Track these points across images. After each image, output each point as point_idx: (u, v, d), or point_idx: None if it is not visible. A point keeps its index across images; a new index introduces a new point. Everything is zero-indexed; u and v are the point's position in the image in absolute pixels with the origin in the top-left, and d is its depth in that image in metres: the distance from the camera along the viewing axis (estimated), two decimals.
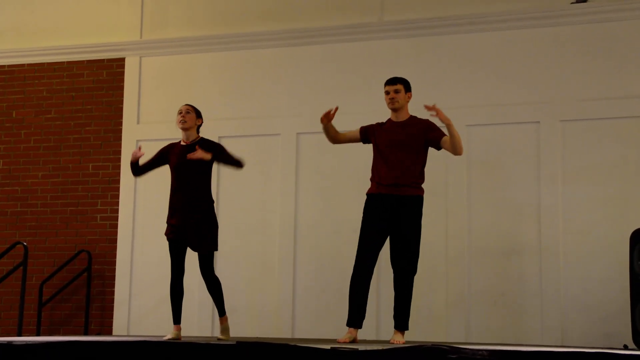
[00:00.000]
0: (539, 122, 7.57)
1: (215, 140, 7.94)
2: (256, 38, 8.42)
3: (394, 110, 5.93)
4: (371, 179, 5.93)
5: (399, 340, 5.67)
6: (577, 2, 7.64)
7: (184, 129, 6.25)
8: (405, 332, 5.81)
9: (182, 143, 6.30)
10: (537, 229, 7.42)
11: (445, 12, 7.95)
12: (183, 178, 6.17)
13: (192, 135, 6.30)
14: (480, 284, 7.50)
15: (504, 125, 7.62)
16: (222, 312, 6.29)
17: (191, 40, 8.60)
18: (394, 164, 5.78)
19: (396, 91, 5.88)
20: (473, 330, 7.44)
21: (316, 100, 8.14)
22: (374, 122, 6.06)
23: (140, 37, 8.79)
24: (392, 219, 5.75)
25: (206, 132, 8.42)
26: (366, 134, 6.03)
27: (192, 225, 6.11)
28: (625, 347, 6.42)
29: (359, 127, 6.07)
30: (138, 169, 6.41)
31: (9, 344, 4.74)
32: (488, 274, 7.49)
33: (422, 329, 7.36)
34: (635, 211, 7.15)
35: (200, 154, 6.04)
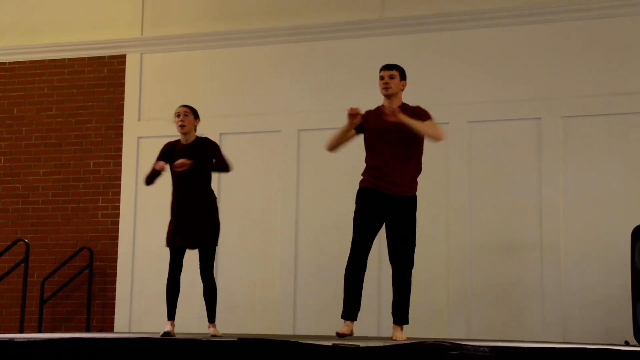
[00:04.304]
0: (540, 118, 7.56)
1: (217, 137, 7.97)
2: (257, 35, 8.41)
3: (387, 96, 5.74)
4: (363, 172, 5.75)
5: (399, 337, 5.62)
6: None
7: (183, 134, 6.22)
8: (407, 328, 5.79)
9: (182, 142, 6.29)
10: (538, 226, 7.42)
11: (446, 9, 7.95)
12: (183, 178, 6.17)
13: (191, 137, 6.28)
14: (481, 281, 7.50)
15: (505, 121, 7.62)
16: (212, 318, 6.29)
17: (192, 37, 8.60)
18: (385, 158, 5.60)
19: (391, 77, 5.70)
20: (474, 326, 7.43)
21: (317, 97, 8.14)
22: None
23: (141, 34, 8.79)
24: (386, 213, 5.63)
25: (207, 129, 8.44)
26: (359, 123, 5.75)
27: (194, 222, 6.11)
28: (627, 343, 6.41)
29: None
30: (151, 179, 6.37)
31: (11, 340, 4.74)
32: (489, 270, 7.49)
33: (423, 326, 7.35)
34: (637, 207, 7.15)
35: (180, 163, 5.98)
